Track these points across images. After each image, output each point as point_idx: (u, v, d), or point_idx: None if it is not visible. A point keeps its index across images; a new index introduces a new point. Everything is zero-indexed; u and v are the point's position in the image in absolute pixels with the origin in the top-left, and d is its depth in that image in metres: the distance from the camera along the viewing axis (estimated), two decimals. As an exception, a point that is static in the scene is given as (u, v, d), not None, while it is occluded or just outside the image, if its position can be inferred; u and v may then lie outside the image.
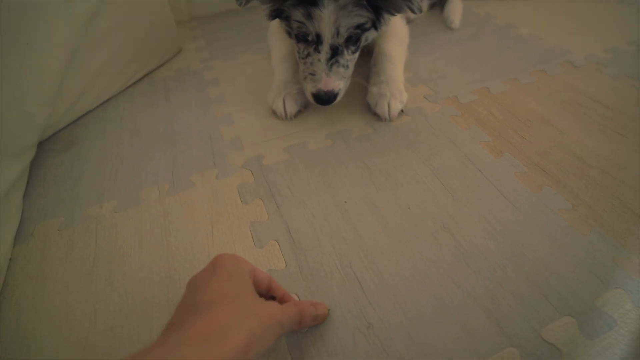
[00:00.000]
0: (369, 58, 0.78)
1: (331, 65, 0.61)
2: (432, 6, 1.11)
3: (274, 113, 0.71)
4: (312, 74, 0.62)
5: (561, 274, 0.44)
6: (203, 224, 0.53)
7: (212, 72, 0.89)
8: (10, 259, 0.51)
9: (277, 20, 0.79)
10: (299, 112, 0.71)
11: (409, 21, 1.02)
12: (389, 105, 0.66)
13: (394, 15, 0.64)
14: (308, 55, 0.62)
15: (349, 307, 0.42)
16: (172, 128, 0.72)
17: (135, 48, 0.86)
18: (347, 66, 0.64)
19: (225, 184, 0.59)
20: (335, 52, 0.61)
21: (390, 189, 0.56)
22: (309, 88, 0.64)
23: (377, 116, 0.69)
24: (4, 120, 0.58)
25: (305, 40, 0.61)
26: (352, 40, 0.61)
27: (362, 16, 0.59)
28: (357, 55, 0.66)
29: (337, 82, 0.62)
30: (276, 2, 0.62)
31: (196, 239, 0.51)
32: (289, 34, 0.64)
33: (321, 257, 0.48)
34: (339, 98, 0.65)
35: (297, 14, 0.58)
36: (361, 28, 0.60)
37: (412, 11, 0.60)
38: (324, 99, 0.63)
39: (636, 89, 0.72)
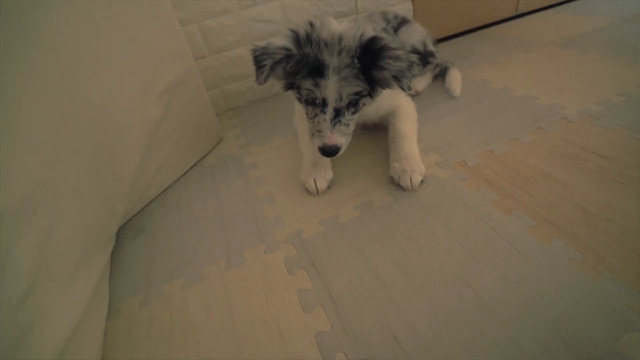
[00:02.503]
0: (385, 135, 0.91)
1: (334, 124, 0.75)
2: (435, 78, 1.27)
3: (307, 190, 0.83)
4: (319, 131, 0.75)
5: (578, 320, 0.50)
6: (258, 295, 0.63)
7: (250, 156, 1.05)
8: (105, 333, 0.62)
9: (300, 108, 0.96)
10: (328, 188, 0.83)
11: (416, 93, 1.17)
12: (410, 179, 0.76)
13: (385, 89, 0.77)
14: (315, 116, 0.76)
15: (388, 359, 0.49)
16: (222, 210, 0.85)
17: (187, 143, 1.04)
18: (348, 125, 0.77)
19: (273, 258, 0.69)
20: (337, 113, 0.74)
21: (415, 252, 0.64)
22: (316, 143, 0.76)
23: (398, 186, 0.79)
24: (98, 217, 0.73)
25: (313, 103, 0.75)
26: (352, 104, 0.75)
27: (359, 86, 0.72)
28: (356, 117, 0.79)
29: (340, 138, 0.75)
30: (289, 77, 0.76)
31: (253, 308, 0.61)
32: (299, 99, 0.79)
33: (361, 317, 0.56)
34: (341, 151, 0.77)
35: (307, 84, 0.73)
36: (359, 95, 0.74)
37: (402, 89, 0.72)
38: (329, 151, 0.75)
39: (629, 138, 0.80)
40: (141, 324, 0.63)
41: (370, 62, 0.70)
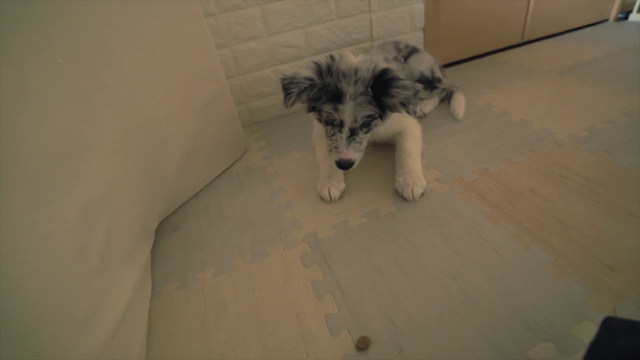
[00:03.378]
0: (392, 152, 1.03)
1: (350, 142, 0.87)
2: (441, 101, 1.38)
3: (322, 199, 0.96)
4: (336, 148, 0.88)
5: (543, 311, 0.60)
6: (278, 283, 0.75)
7: (273, 167, 1.18)
8: (150, 310, 0.75)
9: (318, 126, 1.09)
10: (340, 197, 0.95)
11: (424, 115, 1.29)
12: (412, 191, 0.88)
13: (393, 112, 0.89)
14: (333, 134, 0.89)
15: (386, 338, 0.60)
16: (249, 213, 0.98)
17: (217, 152, 1.18)
18: (361, 142, 0.89)
19: (291, 254, 0.82)
20: (352, 132, 0.87)
21: (413, 253, 0.75)
22: (334, 157, 0.89)
23: (402, 198, 0.91)
24: (145, 214, 0.87)
25: (332, 124, 0.88)
26: (365, 125, 0.88)
27: (371, 110, 0.85)
28: (368, 135, 0.91)
29: (354, 153, 0.88)
30: (312, 101, 0.90)
31: (274, 293, 0.73)
32: (319, 120, 0.92)
33: (364, 304, 0.67)
34: (355, 165, 0.89)
35: (328, 108, 0.85)
36: (371, 117, 0.87)
37: (408, 113, 0.84)
38: (344, 165, 0.88)
39: (607, 161, 0.90)
40: (179, 304, 0.76)
41: (381, 90, 0.83)
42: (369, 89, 0.83)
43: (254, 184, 1.11)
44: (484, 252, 0.73)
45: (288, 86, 0.83)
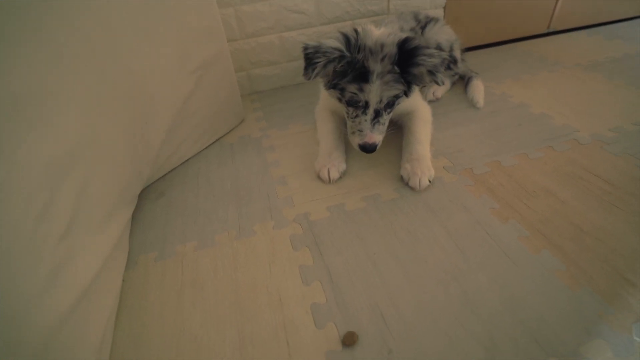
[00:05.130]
0: (398, 134, 0.96)
1: (374, 124, 0.81)
2: (453, 84, 1.29)
3: (319, 178, 0.89)
4: (360, 130, 0.82)
5: (551, 323, 0.54)
6: (262, 265, 0.69)
7: (269, 140, 1.10)
8: (123, 280, 0.69)
9: (325, 100, 1.01)
10: (339, 178, 0.88)
11: (436, 99, 1.21)
12: (419, 181, 0.81)
13: (419, 86, 0.83)
14: (356, 116, 0.82)
15: (374, 335, 0.55)
16: (238, 185, 0.92)
17: (211, 119, 1.10)
18: (385, 124, 0.84)
19: (280, 234, 0.75)
20: (377, 114, 0.81)
21: (411, 245, 0.69)
22: (357, 140, 0.83)
23: (406, 185, 0.84)
24: (125, 178, 0.80)
25: (355, 105, 0.81)
26: (389, 104, 0.81)
27: (398, 89, 0.79)
28: (391, 115, 0.85)
29: (378, 136, 0.82)
30: (336, 77, 0.81)
31: (257, 275, 0.67)
32: (339, 99, 0.84)
33: (354, 295, 0.61)
34: (377, 148, 0.83)
35: (352, 87, 0.78)
36: (397, 96, 0.81)
37: (437, 83, 0.78)
38: (368, 149, 0.82)
39: (636, 166, 0.82)
40: (155, 276, 0.70)
41: (407, 61, 0.76)
42: (396, 67, 0.76)
43: (246, 155, 1.04)
44: (489, 251, 0.66)
45: (312, 55, 0.74)
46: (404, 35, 0.79)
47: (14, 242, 0.47)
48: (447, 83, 1.26)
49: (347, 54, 0.75)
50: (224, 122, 1.17)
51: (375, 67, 0.76)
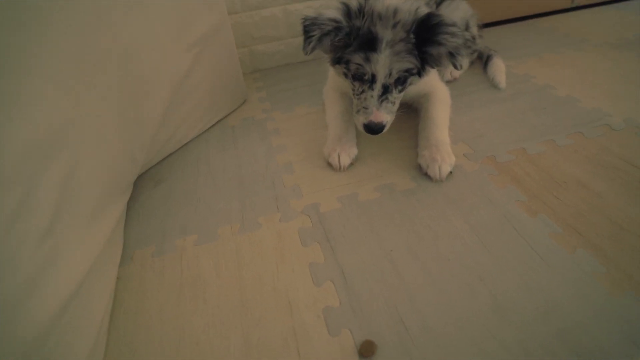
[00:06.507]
0: (414, 117, 0.88)
1: (381, 101, 0.73)
2: (471, 64, 1.20)
3: (329, 165, 0.82)
4: (365, 108, 0.74)
5: (593, 334, 0.49)
6: (269, 262, 0.63)
7: (273, 123, 1.02)
8: (117, 278, 0.64)
9: (333, 79, 0.93)
10: (351, 165, 0.81)
11: (454, 79, 1.12)
12: (439, 168, 0.74)
13: (434, 68, 0.76)
14: (362, 92, 0.74)
15: (394, 344, 0.49)
16: (241, 173, 0.85)
17: (212, 99, 1.02)
18: (394, 103, 0.75)
19: (287, 227, 0.69)
20: (385, 90, 0.73)
21: (431, 241, 0.63)
22: (361, 120, 0.75)
23: (425, 175, 0.76)
24: (118, 162, 0.73)
25: (361, 79, 0.73)
26: (400, 81, 0.73)
27: (411, 62, 0.71)
28: (402, 95, 0.77)
29: (386, 115, 0.74)
30: (338, 50, 0.74)
31: (264, 274, 0.61)
32: (345, 75, 0.76)
33: (370, 298, 0.55)
34: (385, 129, 0.75)
35: (357, 58, 0.70)
36: (409, 72, 0.72)
37: (455, 67, 0.71)
38: (374, 129, 0.74)
39: (676, 156, 0.75)
40: (153, 273, 0.64)
41: (425, 38, 0.68)
42: (412, 35, 0.68)
43: (250, 139, 0.96)
44: (519, 250, 0.60)
45: (309, 28, 0.68)
46: (425, 8, 0.71)
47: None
48: (466, 62, 1.16)
49: (345, 24, 0.68)
50: (226, 102, 1.09)
51: (385, 33, 0.68)
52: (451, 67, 1.10)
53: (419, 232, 0.65)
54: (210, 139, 0.99)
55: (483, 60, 1.18)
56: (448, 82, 1.08)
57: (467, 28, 1.10)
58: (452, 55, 0.68)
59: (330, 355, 0.49)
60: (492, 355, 0.47)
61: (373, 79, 0.71)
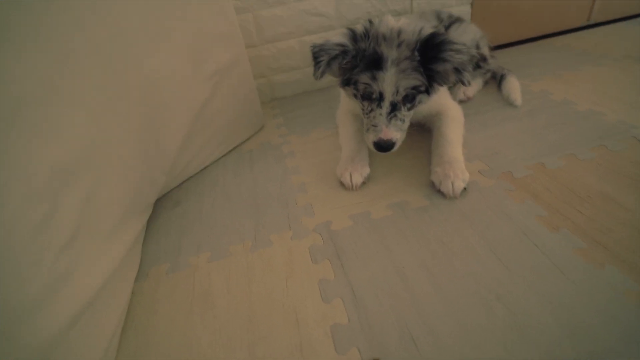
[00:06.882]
0: (426, 136, 0.88)
1: (390, 119, 0.74)
2: (485, 83, 1.20)
3: (342, 184, 0.82)
4: (375, 126, 0.75)
5: (627, 357, 0.44)
6: (279, 278, 0.63)
7: (289, 146, 1.05)
8: (132, 292, 0.65)
9: (345, 102, 0.95)
10: (363, 184, 0.81)
11: (468, 99, 1.12)
12: (452, 184, 0.72)
13: (442, 86, 0.77)
14: (371, 110, 0.76)
15: (405, 365, 0.47)
16: (256, 193, 0.87)
17: (230, 126, 1.06)
18: (404, 120, 0.76)
19: (299, 244, 0.69)
20: (394, 107, 0.74)
21: (446, 258, 0.61)
22: (371, 138, 0.76)
23: (438, 192, 0.75)
24: (139, 184, 0.77)
25: (370, 98, 0.75)
26: (409, 98, 0.74)
27: (417, 79, 0.72)
28: (411, 113, 0.78)
29: (395, 132, 0.74)
30: (346, 72, 0.77)
31: (273, 290, 0.61)
32: (355, 96, 0.79)
33: (381, 315, 0.53)
34: (395, 147, 0.76)
35: (364, 77, 0.73)
36: (416, 89, 0.74)
37: (463, 83, 0.71)
38: (384, 146, 0.75)
39: None
40: (165, 289, 0.65)
41: (430, 56, 0.70)
42: (416, 53, 0.70)
43: (265, 162, 0.99)
44: (539, 266, 0.57)
45: (318, 54, 0.72)
46: (429, 28, 0.73)
47: (8, 252, 0.43)
48: (480, 82, 1.17)
49: (351, 47, 0.71)
50: (243, 129, 1.13)
51: (390, 52, 0.70)
52: (464, 87, 1.11)
53: (432, 248, 0.63)
54: (228, 163, 1.03)
55: (497, 79, 1.18)
56: (462, 102, 1.08)
57: (478, 49, 1.11)
58: (458, 72, 0.69)
59: (337, 375, 0.47)
60: (513, 378, 0.44)
61: (381, 97, 0.73)
